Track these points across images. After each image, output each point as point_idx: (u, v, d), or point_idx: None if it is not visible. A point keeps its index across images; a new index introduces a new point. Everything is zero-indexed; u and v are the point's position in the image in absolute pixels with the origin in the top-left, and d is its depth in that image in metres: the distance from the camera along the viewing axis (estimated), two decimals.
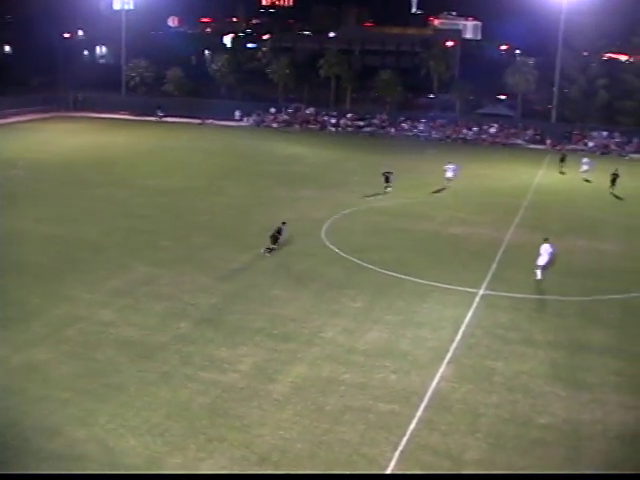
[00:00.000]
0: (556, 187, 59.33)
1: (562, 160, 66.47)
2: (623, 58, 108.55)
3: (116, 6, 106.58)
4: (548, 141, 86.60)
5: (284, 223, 35.90)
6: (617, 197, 54.57)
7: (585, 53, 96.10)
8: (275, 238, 35.35)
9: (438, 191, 52.96)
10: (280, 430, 19.84)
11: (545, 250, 32.80)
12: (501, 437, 20.11)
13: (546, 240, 33.10)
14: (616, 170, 56.69)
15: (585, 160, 63.35)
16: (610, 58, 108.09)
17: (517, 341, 26.84)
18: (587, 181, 60.90)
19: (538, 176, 63.66)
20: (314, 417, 20.57)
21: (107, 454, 18.44)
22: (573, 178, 63.15)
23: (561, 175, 64.43)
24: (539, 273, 33.21)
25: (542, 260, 32.79)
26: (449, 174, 53.86)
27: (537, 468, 18.64)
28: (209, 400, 21.38)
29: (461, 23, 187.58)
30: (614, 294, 32.54)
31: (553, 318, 29.57)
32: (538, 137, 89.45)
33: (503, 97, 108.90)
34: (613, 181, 56.12)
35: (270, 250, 35.23)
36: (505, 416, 21.26)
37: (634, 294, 32.83)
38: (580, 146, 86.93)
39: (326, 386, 22.41)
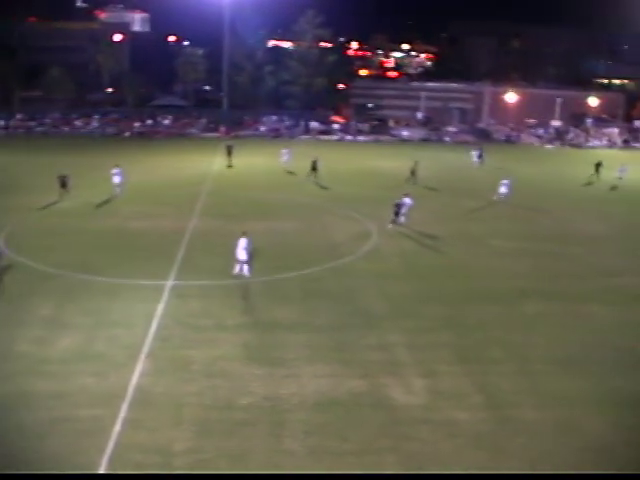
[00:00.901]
0: (233, 173, 61.11)
1: (229, 153, 65.18)
2: (286, 45, 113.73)
3: None
4: (222, 128, 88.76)
5: None
6: (321, 185, 56.49)
7: (251, 41, 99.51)
8: None
9: (110, 199, 49.52)
10: None
11: (242, 244, 32.32)
12: (206, 424, 20.58)
13: (244, 234, 32.70)
14: (315, 157, 58.33)
15: (284, 150, 64.28)
16: (275, 45, 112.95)
17: (210, 328, 27.45)
18: (290, 173, 61.40)
19: (215, 163, 65.17)
20: (16, 436, 19.66)
21: None
22: (248, 163, 65.37)
23: (231, 167, 64.20)
24: (240, 268, 32.74)
25: (241, 255, 32.42)
26: (116, 179, 50.46)
27: (244, 448, 19.36)
28: None
29: (129, 16, 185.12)
30: (294, 271, 34.31)
31: (242, 301, 30.61)
32: (212, 125, 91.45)
33: None
34: (313, 168, 57.68)
35: None
36: (207, 402, 21.75)
37: (312, 269, 34.88)
38: (252, 131, 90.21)
39: (24, 401, 21.51)
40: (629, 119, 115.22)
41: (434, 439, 20.24)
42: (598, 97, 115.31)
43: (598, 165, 63.14)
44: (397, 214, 43.29)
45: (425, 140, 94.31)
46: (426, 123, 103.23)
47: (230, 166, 64.28)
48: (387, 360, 25.12)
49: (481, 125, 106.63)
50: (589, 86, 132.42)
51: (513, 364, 25.36)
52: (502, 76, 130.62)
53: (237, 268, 32.81)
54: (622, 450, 20.12)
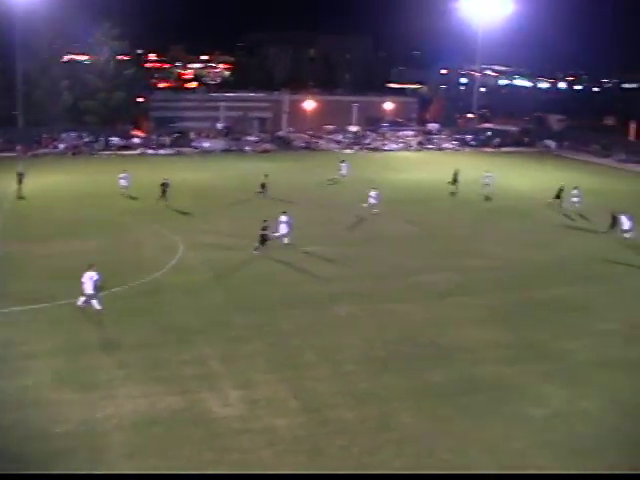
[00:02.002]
0: (34, 193, 58.80)
1: (20, 182, 58.12)
2: (83, 58, 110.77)
3: None
4: (18, 147, 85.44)
5: None
6: (129, 201, 55.32)
7: (45, 55, 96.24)
8: None
9: None
10: None
11: (88, 278, 30.51)
12: (20, 457, 19.86)
13: (90, 267, 30.80)
14: (166, 180, 54.92)
15: (122, 175, 58.86)
16: (71, 59, 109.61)
17: (16, 356, 26.46)
18: (132, 198, 56.96)
19: (13, 184, 62.42)
20: None
21: None
22: (49, 182, 63.35)
23: (22, 199, 56.70)
24: (86, 301, 30.89)
25: (88, 288, 30.57)
26: None
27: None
28: None
29: None
30: (103, 290, 32.53)
31: (49, 326, 29.54)
32: (7, 145, 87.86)
33: None
34: (163, 192, 54.10)
35: None
36: (20, 434, 21.01)
37: (121, 287, 34.19)
38: (51, 149, 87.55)
39: None
40: (423, 122, 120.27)
41: (254, 448, 20.54)
42: (393, 102, 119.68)
43: (455, 174, 64.61)
44: (264, 238, 40.52)
45: (227, 150, 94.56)
46: (227, 133, 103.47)
47: (21, 197, 57.16)
48: (203, 374, 25.23)
49: (281, 133, 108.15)
50: (384, 91, 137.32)
51: (327, 367, 26.14)
52: (300, 84, 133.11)
53: (82, 300, 30.98)
54: (438, 440, 21.26)
